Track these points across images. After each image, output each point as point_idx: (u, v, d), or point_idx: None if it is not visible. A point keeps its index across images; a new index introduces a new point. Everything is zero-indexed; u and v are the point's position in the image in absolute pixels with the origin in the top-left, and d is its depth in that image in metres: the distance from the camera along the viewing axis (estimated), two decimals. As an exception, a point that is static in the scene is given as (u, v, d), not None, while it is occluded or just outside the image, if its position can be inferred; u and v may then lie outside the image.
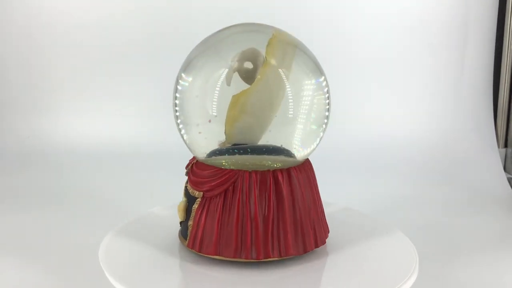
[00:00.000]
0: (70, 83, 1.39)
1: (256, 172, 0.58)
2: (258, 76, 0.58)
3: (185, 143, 0.63)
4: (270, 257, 0.59)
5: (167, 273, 0.59)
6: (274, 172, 0.59)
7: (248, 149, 0.60)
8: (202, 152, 0.62)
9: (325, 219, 0.66)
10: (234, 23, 0.64)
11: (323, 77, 0.62)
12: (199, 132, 0.60)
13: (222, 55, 0.60)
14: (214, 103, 0.58)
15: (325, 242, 0.64)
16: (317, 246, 0.62)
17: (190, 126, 0.61)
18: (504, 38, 1.39)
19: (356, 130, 1.36)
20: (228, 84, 0.58)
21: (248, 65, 0.59)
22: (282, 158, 0.61)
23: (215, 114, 0.58)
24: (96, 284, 0.72)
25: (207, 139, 0.61)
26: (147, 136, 1.35)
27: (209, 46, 0.61)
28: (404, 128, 1.38)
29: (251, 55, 0.59)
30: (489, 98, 1.41)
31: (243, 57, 0.59)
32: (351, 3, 1.38)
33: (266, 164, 0.61)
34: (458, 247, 0.94)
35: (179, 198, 0.65)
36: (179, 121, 0.62)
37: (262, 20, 0.67)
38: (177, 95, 0.61)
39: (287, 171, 0.60)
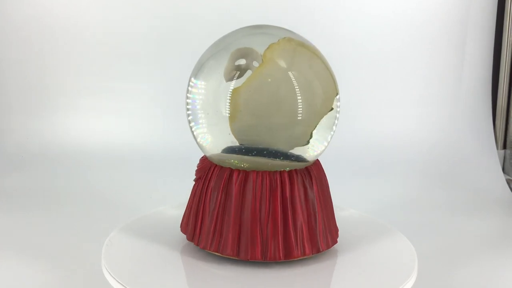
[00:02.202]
0: (71, 83, 1.39)
1: (220, 167, 0.61)
2: (251, 76, 0.58)
3: (196, 142, 0.64)
4: (208, 250, 0.61)
5: (169, 273, 0.60)
6: (232, 170, 0.60)
7: (243, 149, 0.60)
8: (214, 151, 0.62)
9: (309, 234, 0.61)
10: (240, 24, 0.65)
11: (334, 81, 0.62)
12: (229, 134, 0.60)
13: None
14: (227, 103, 0.58)
15: (282, 258, 0.59)
16: (267, 258, 0.59)
17: (201, 126, 0.62)
18: (503, 39, 1.40)
19: (353, 131, 1.36)
20: (226, 80, 0.59)
21: (243, 62, 0.59)
22: (278, 161, 0.61)
23: (227, 115, 0.58)
24: (99, 284, 0.72)
25: (219, 138, 0.61)
26: (150, 136, 1.35)
27: (222, 48, 0.61)
28: (403, 130, 1.38)
29: (247, 54, 0.60)
30: (487, 99, 1.41)
31: (240, 55, 0.60)
32: (350, 4, 1.38)
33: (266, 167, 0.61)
34: (457, 248, 0.94)
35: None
36: (190, 118, 0.63)
37: (263, 21, 0.67)
38: (189, 95, 0.62)
39: (248, 173, 0.59)
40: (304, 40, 0.63)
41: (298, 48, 0.61)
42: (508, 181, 1.29)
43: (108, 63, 1.38)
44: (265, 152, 0.60)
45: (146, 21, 1.37)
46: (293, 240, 0.60)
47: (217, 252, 0.61)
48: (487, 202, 1.18)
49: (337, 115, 0.63)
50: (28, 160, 1.29)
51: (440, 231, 1.01)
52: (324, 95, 0.60)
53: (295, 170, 0.61)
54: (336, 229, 0.66)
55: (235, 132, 0.59)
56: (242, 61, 0.59)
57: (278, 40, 0.60)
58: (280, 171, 0.60)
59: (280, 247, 0.59)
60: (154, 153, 1.30)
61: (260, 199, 0.59)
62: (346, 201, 0.88)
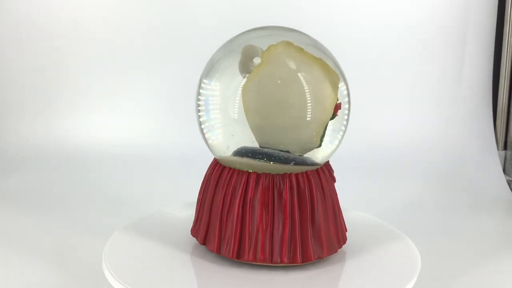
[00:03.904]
0: (71, 83, 1.39)
1: (216, 165, 0.64)
2: (249, 76, 0.58)
3: (207, 143, 0.64)
4: (191, 234, 0.66)
5: (172, 273, 0.60)
6: (215, 165, 0.63)
7: (249, 153, 0.60)
8: (221, 153, 0.63)
9: (270, 241, 0.59)
10: (246, 24, 0.65)
11: (342, 82, 0.62)
12: (231, 135, 0.60)
13: None
14: (236, 105, 0.58)
15: (233, 257, 0.60)
16: (220, 253, 0.61)
17: (212, 127, 0.62)
18: (504, 40, 1.40)
19: (353, 132, 1.35)
20: (243, 76, 0.59)
21: (253, 61, 0.60)
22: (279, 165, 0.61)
23: (236, 117, 0.58)
24: (100, 285, 0.72)
25: (230, 140, 0.61)
26: (151, 136, 1.35)
27: (232, 49, 0.62)
28: (403, 131, 1.38)
29: (250, 52, 0.60)
30: (488, 100, 1.41)
31: (248, 52, 0.60)
32: (350, 6, 1.38)
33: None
34: (458, 249, 0.94)
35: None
36: (201, 119, 0.63)
37: (268, 22, 0.67)
38: (200, 97, 0.62)
39: (223, 170, 0.62)
40: (313, 43, 0.62)
41: (295, 51, 0.60)
42: (508, 182, 1.29)
43: (108, 63, 1.38)
44: (255, 152, 0.60)
45: (148, 22, 1.37)
46: (247, 243, 0.59)
47: (195, 237, 0.65)
48: (487, 203, 1.18)
49: (346, 117, 0.62)
50: (28, 161, 1.29)
51: (440, 232, 1.01)
52: (319, 102, 0.59)
53: (266, 174, 0.60)
54: (319, 245, 0.61)
55: (253, 132, 0.59)
56: (253, 59, 0.60)
57: (277, 43, 0.59)
58: (249, 173, 0.60)
59: (233, 247, 0.60)
60: (156, 153, 1.30)
61: (224, 196, 0.61)
62: (347, 203, 0.88)
